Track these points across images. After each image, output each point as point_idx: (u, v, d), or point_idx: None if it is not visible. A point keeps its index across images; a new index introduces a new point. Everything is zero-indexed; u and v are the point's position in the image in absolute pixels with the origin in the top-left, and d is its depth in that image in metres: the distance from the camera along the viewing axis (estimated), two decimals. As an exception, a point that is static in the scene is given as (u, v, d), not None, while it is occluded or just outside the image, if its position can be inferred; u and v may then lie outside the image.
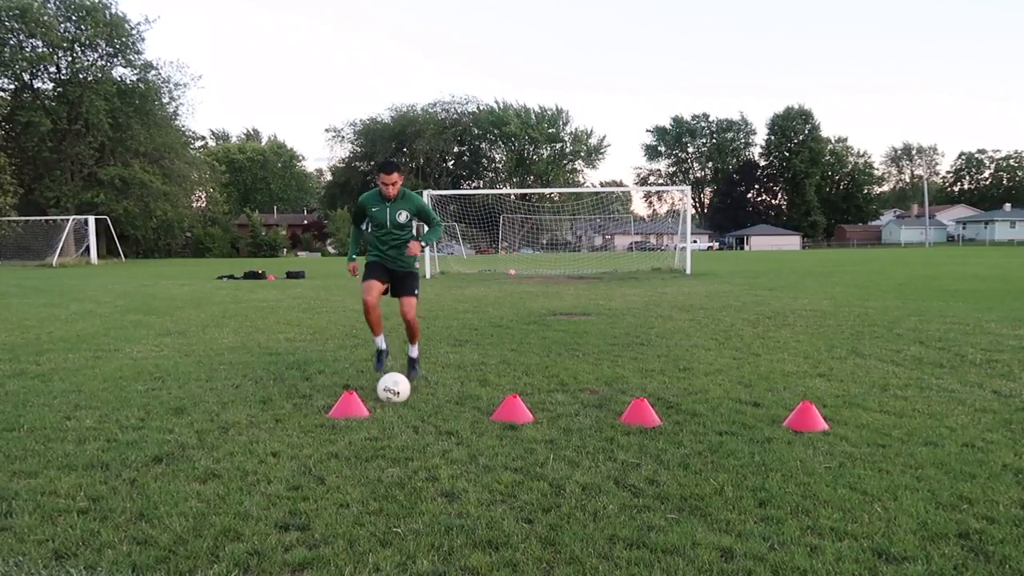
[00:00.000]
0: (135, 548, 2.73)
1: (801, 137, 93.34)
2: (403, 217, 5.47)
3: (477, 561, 2.61)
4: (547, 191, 59.96)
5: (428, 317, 10.37)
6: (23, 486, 3.39)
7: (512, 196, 43.01)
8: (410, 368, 5.79)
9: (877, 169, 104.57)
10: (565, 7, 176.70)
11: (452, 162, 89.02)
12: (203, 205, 68.59)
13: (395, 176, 5.29)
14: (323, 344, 7.80)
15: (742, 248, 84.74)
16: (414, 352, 5.85)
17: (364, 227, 5.76)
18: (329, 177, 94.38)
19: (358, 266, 5.77)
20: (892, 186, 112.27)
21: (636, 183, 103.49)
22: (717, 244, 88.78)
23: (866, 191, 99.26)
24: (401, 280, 5.66)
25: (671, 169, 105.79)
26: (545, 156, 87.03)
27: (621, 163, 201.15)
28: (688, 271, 22.88)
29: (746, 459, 3.70)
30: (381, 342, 5.77)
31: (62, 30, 47.42)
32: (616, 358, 6.71)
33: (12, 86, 48.96)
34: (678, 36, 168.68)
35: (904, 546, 2.69)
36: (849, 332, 8.33)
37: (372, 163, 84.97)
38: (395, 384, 5.00)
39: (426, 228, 5.93)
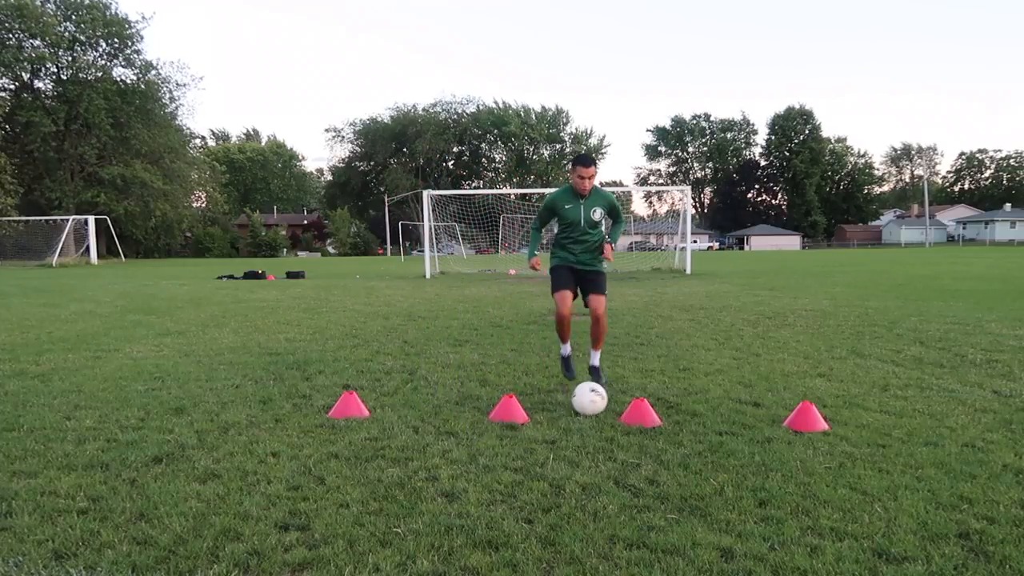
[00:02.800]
0: (135, 548, 2.73)
1: (801, 137, 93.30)
2: (597, 214, 5.12)
3: (477, 561, 2.61)
4: (547, 191, 59.93)
5: (428, 317, 10.38)
6: (23, 486, 3.39)
7: (512, 196, 42.97)
8: (596, 378, 5.23)
9: (877, 169, 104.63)
10: (565, 8, 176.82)
11: (452, 162, 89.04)
12: (203, 205, 68.59)
13: (593, 170, 5.02)
14: (323, 344, 7.80)
15: (742, 248, 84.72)
16: (596, 360, 5.39)
17: (544, 228, 5.44)
18: (329, 177, 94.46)
19: (540, 262, 5.43)
20: (892, 186, 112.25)
21: (636, 183, 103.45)
22: (717, 244, 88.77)
23: (866, 191, 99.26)
24: (591, 279, 5.26)
25: (671, 169, 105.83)
26: (545, 156, 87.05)
27: (621, 163, 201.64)
28: (688, 271, 22.88)
29: (746, 459, 3.70)
30: (569, 349, 5.39)
31: (62, 29, 47.43)
32: (616, 358, 6.71)
33: (12, 86, 48.97)
34: (679, 36, 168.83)
35: (904, 546, 2.69)
36: (849, 332, 8.32)
37: (372, 163, 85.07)
38: (595, 388, 4.71)
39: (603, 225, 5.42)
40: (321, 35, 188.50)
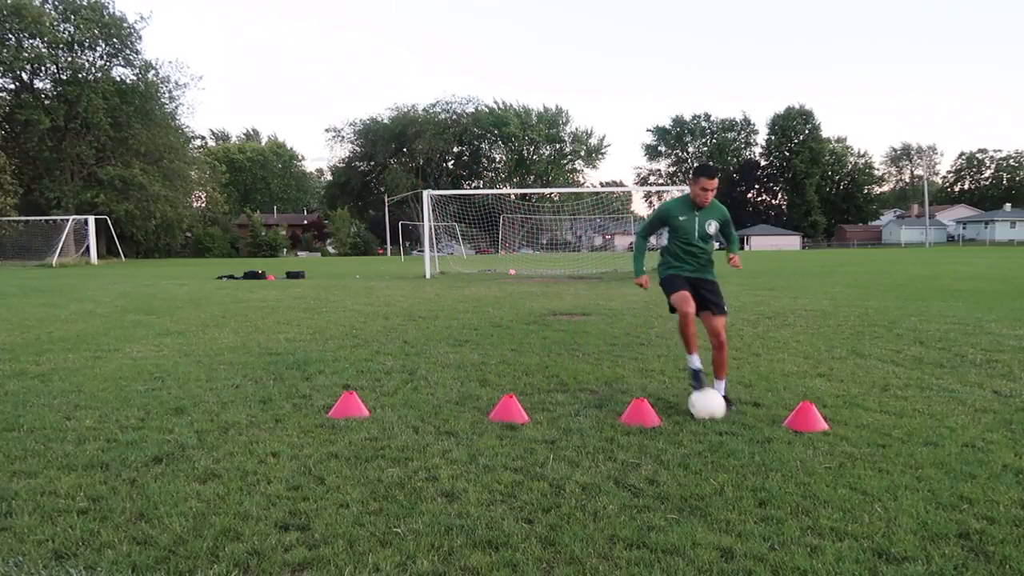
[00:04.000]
0: (135, 548, 2.73)
1: (801, 137, 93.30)
2: (712, 228, 4.85)
3: (477, 561, 2.61)
4: (547, 191, 60.04)
5: (428, 317, 10.38)
6: (23, 486, 3.39)
7: (512, 196, 43.03)
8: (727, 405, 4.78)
9: (877, 169, 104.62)
10: (566, 8, 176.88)
11: (452, 162, 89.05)
12: (203, 205, 68.60)
13: (716, 182, 4.69)
14: (323, 344, 7.80)
15: (742, 248, 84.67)
16: (723, 389, 4.89)
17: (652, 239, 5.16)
18: (329, 177, 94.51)
19: (649, 279, 5.11)
20: (892, 186, 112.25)
21: (636, 183, 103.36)
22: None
23: (866, 191, 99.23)
24: (708, 292, 4.89)
25: (671, 169, 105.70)
26: (545, 156, 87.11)
27: (621, 163, 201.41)
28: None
29: (746, 459, 3.70)
30: (697, 361, 4.80)
31: (61, 29, 47.40)
32: (616, 358, 6.71)
33: (12, 86, 48.97)
34: (679, 36, 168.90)
35: (904, 546, 2.69)
36: (849, 332, 8.32)
37: (372, 163, 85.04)
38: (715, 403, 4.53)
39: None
40: (321, 35, 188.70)
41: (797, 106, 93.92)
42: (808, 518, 2.96)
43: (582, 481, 3.41)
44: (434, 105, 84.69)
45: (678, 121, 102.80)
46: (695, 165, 4.99)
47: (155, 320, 10.43)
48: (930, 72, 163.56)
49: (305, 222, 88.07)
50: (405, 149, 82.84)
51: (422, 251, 33.01)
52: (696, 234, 4.83)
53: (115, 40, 49.51)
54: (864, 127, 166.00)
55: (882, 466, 3.58)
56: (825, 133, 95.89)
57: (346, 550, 2.71)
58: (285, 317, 10.69)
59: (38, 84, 50.09)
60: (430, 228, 24.30)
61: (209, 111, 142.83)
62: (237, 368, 6.40)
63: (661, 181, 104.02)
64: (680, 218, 4.82)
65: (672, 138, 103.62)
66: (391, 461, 3.74)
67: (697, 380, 4.73)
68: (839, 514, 3.00)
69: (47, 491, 3.31)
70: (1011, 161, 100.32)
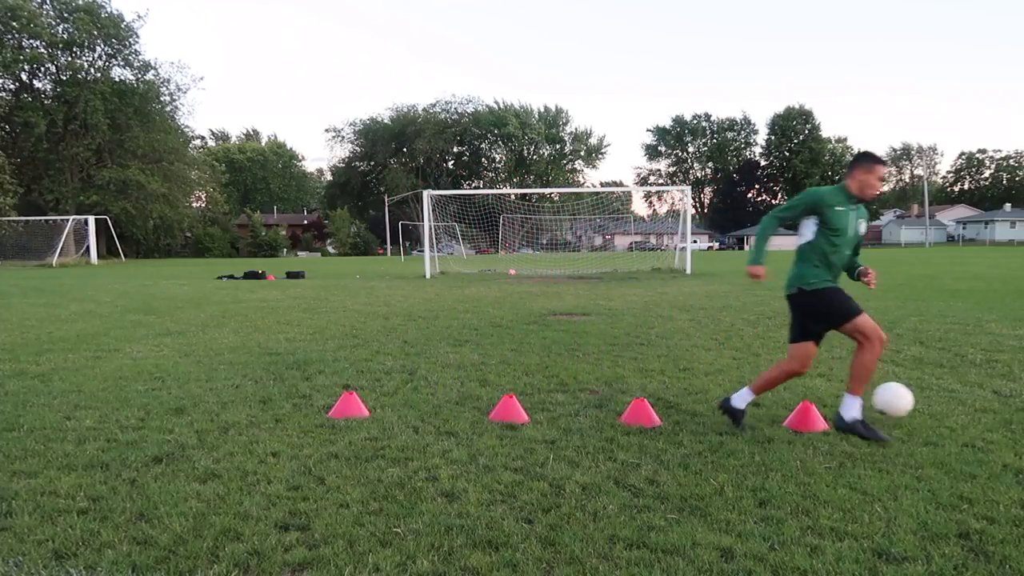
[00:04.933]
0: (135, 548, 2.73)
1: (801, 137, 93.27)
2: (863, 227, 4.11)
3: (477, 561, 2.61)
4: (547, 191, 60.12)
5: (428, 317, 10.38)
6: (23, 486, 3.39)
7: (512, 196, 43.11)
8: (741, 419, 4.27)
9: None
10: (566, 8, 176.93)
11: (452, 162, 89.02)
12: (203, 205, 68.58)
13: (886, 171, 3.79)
14: (323, 344, 7.80)
15: (742, 248, 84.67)
16: (749, 396, 4.30)
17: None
18: (329, 177, 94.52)
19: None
20: (892, 186, 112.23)
21: (636, 183, 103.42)
22: (717, 244, 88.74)
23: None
24: None
25: (671, 169, 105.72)
26: (545, 156, 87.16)
27: (621, 163, 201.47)
28: (688, 271, 22.88)
29: (746, 459, 3.70)
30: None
31: (60, 30, 47.37)
32: (616, 358, 6.71)
33: (12, 86, 48.92)
34: (679, 36, 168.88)
35: (904, 546, 2.69)
36: (849, 332, 8.31)
37: (372, 163, 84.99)
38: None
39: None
40: (321, 35, 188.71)
41: (797, 106, 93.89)
42: (808, 518, 2.96)
43: (582, 481, 3.41)
44: (434, 105, 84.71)
45: (678, 121, 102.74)
46: (860, 151, 4.04)
47: (155, 320, 10.43)
48: (930, 72, 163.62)
49: (305, 222, 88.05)
50: (405, 149, 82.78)
51: (422, 251, 33.01)
52: (851, 231, 4.00)
53: (113, 40, 49.44)
54: (864, 127, 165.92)
55: (882, 466, 3.58)
56: (825, 133, 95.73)
57: (346, 550, 2.71)
58: (285, 317, 10.69)
59: (38, 84, 50.11)
60: (430, 228, 24.30)
61: (209, 111, 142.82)
62: (237, 368, 6.40)
63: (661, 181, 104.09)
64: (837, 208, 3.92)
65: (672, 138, 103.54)
66: (391, 461, 3.74)
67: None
68: (839, 514, 3.00)
69: (47, 491, 3.31)
70: (1011, 161, 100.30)
